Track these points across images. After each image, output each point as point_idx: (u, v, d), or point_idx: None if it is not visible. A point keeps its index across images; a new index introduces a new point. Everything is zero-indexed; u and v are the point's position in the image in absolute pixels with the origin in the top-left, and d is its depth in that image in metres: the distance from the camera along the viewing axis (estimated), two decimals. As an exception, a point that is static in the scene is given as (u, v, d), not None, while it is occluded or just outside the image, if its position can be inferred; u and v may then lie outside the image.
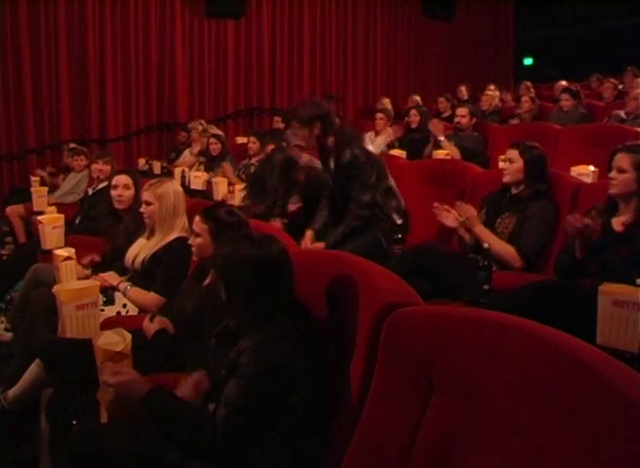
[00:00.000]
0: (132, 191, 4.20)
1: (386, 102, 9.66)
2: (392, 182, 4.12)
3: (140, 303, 3.48)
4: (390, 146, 7.23)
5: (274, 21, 11.28)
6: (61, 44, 9.27)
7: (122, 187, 4.21)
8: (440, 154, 5.83)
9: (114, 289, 3.55)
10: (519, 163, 3.71)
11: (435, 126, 6.64)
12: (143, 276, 3.56)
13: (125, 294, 3.52)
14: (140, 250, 3.65)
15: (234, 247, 2.17)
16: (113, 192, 4.22)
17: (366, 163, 3.87)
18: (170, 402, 2.14)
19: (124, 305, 3.51)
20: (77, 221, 5.48)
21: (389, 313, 1.87)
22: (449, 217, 3.71)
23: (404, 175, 5.10)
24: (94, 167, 5.83)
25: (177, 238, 3.52)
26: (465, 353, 1.65)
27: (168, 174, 7.38)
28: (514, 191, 3.75)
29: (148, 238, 3.66)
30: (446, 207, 3.73)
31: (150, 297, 3.45)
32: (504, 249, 3.52)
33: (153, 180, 3.73)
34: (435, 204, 3.78)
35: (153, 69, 10.07)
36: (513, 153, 3.74)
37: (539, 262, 3.55)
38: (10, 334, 4.35)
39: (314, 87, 11.73)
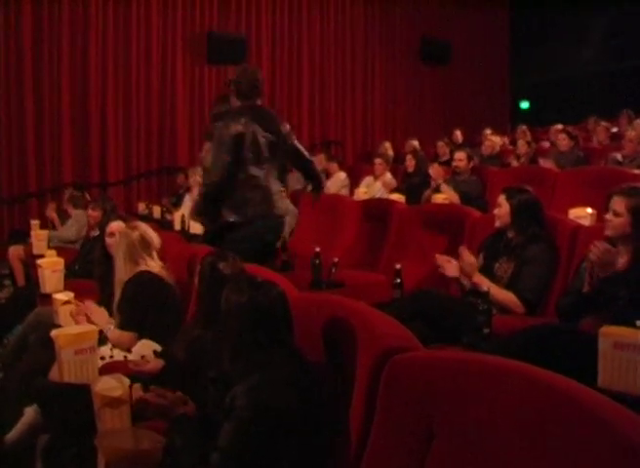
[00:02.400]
0: None
1: (388, 147, 9.74)
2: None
3: (114, 343, 3.49)
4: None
5: (274, 67, 11.43)
6: (64, 88, 9.39)
7: (118, 234, 4.20)
8: (439, 198, 5.87)
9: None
10: (506, 207, 3.74)
11: (435, 171, 6.70)
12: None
13: (107, 336, 3.53)
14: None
15: (234, 291, 2.20)
16: (107, 239, 4.19)
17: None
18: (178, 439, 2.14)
19: (111, 348, 3.52)
20: (77, 265, 5.49)
21: (389, 358, 1.87)
22: (450, 268, 3.70)
23: (403, 220, 5.14)
24: (88, 212, 5.88)
25: (137, 272, 3.55)
26: (465, 398, 1.64)
27: (165, 221, 7.40)
28: (510, 235, 3.76)
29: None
30: (446, 258, 3.73)
31: (118, 335, 3.47)
32: (505, 297, 3.51)
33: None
34: (437, 255, 3.77)
35: (154, 114, 10.17)
36: (501, 198, 3.78)
37: (539, 305, 3.55)
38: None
39: (313, 132, 11.84)
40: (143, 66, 10.07)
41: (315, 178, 4.75)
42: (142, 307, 3.45)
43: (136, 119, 10.03)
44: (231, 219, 4.02)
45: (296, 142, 4.37)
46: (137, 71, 10.00)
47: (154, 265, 3.60)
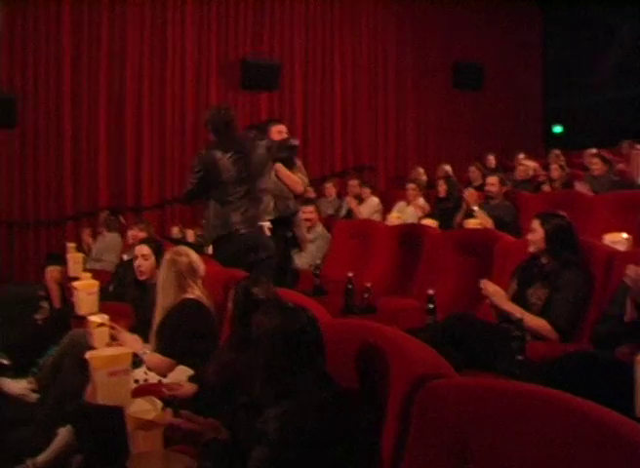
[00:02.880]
0: (151, 261, 4.17)
1: (421, 172, 9.75)
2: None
3: (152, 367, 3.52)
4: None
5: (306, 93, 11.51)
6: (101, 113, 9.62)
7: (141, 257, 4.20)
8: (472, 223, 5.82)
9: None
10: (540, 233, 3.69)
11: (471, 196, 6.67)
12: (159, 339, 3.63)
13: (143, 360, 3.55)
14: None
15: (265, 316, 2.22)
16: (135, 263, 4.24)
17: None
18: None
19: (145, 372, 3.53)
20: (111, 288, 5.54)
21: (422, 385, 1.86)
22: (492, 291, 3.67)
23: (436, 245, 5.12)
24: (129, 233, 5.93)
25: (183, 299, 3.58)
26: (498, 425, 1.62)
27: (201, 243, 7.47)
28: (544, 261, 3.72)
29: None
30: (489, 282, 3.70)
31: (157, 360, 3.50)
32: (538, 323, 3.46)
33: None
34: (482, 281, 3.74)
35: (189, 138, 10.30)
36: (535, 223, 3.73)
37: (573, 332, 3.49)
38: (35, 396, 4.34)
39: (346, 157, 11.87)
40: (179, 92, 10.24)
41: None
42: (186, 335, 3.48)
43: (170, 144, 10.18)
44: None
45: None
46: (172, 97, 10.18)
47: (199, 292, 3.63)
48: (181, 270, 3.62)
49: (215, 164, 4.56)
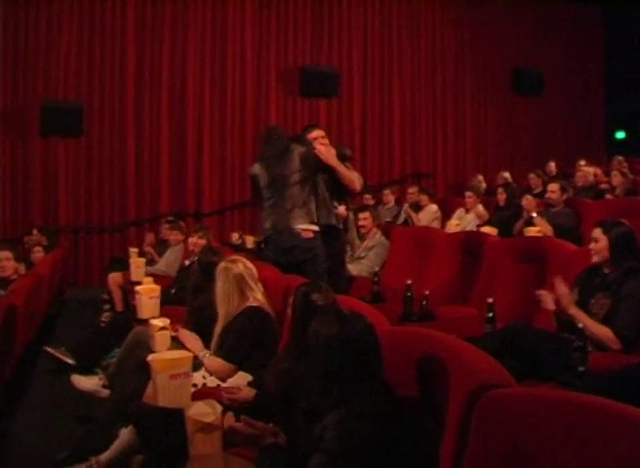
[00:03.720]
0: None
1: (480, 179, 9.65)
2: None
3: (212, 371, 3.57)
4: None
5: (365, 101, 11.51)
6: (163, 121, 9.84)
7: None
8: (532, 231, 5.74)
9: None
10: (603, 242, 3.61)
11: (528, 203, 6.58)
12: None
13: (203, 362, 3.59)
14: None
15: (323, 323, 2.24)
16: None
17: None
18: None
19: (204, 376, 3.57)
20: (173, 292, 5.64)
21: (482, 394, 1.84)
22: (549, 301, 3.63)
23: (496, 253, 5.07)
24: (190, 240, 6.04)
25: (248, 307, 3.63)
26: (559, 437, 1.60)
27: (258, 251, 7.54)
28: (606, 270, 3.64)
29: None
30: (545, 292, 3.66)
31: (218, 365, 3.55)
32: (601, 331, 3.39)
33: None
34: (539, 291, 3.70)
35: (248, 146, 10.39)
36: (597, 232, 3.65)
37: (637, 343, 3.41)
38: (107, 392, 4.42)
39: (404, 164, 11.83)
40: (238, 99, 10.39)
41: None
42: (249, 343, 3.54)
43: (230, 150, 10.32)
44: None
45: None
46: (232, 104, 10.33)
47: (261, 297, 3.69)
48: (238, 277, 3.67)
49: (255, 171, 4.83)
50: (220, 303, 3.70)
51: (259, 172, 4.79)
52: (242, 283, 3.67)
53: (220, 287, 3.70)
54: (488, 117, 12.63)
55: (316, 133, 4.98)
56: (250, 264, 3.78)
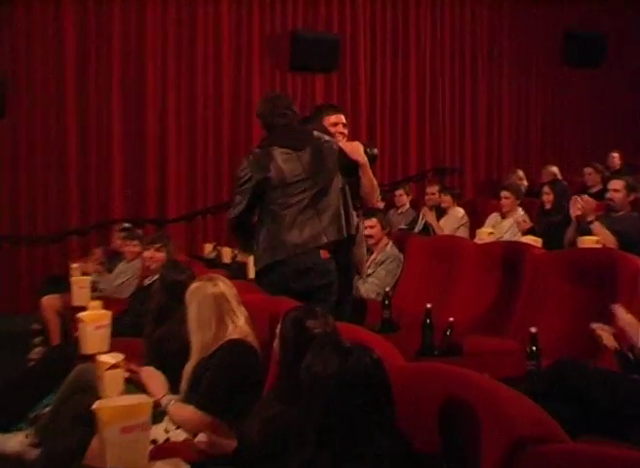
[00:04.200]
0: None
1: (520, 176, 9.65)
2: None
3: (179, 422, 3.55)
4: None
5: (373, 76, 11.52)
6: (114, 105, 9.72)
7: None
8: (588, 241, 5.71)
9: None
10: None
11: (586, 205, 6.54)
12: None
13: (167, 411, 3.57)
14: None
15: (319, 358, 2.26)
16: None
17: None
18: None
19: (167, 429, 3.55)
20: (127, 319, 5.62)
21: (523, 450, 1.84)
22: (608, 337, 3.61)
23: (541, 269, 5.09)
24: (144, 254, 6.05)
25: (229, 340, 3.62)
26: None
27: (240, 265, 7.52)
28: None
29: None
30: (601, 325, 3.64)
31: (188, 414, 3.52)
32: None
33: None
34: (593, 325, 3.70)
35: (225, 133, 10.39)
36: None
37: None
38: (36, 451, 4.37)
39: (423, 157, 11.83)
40: (212, 76, 10.33)
41: None
42: (231, 385, 3.52)
43: (202, 140, 10.27)
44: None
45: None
46: (203, 83, 10.26)
47: (244, 325, 3.69)
48: (218, 300, 3.68)
49: (269, 165, 4.60)
50: (194, 333, 3.69)
51: (276, 160, 4.62)
52: (223, 307, 3.68)
53: (194, 312, 3.70)
54: (530, 96, 12.65)
55: (336, 117, 4.99)
56: (230, 284, 3.80)
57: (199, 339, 3.67)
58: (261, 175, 4.57)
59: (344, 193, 4.78)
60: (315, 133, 4.72)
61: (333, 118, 4.97)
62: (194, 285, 3.78)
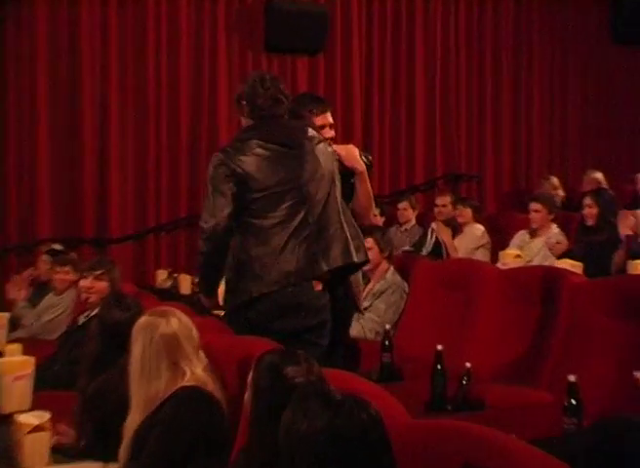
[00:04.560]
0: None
1: (555, 184, 9.66)
2: None
3: None
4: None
5: (370, 60, 11.58)
6: (39, 97, 9.68)
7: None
8: (641, 267, 5.75)
9: None
10: None
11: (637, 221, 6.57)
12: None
13: None
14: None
15: (302, 414, 2.26)
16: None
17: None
18: None
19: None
20: (56, 368, 5.57)
21: None
22: None
23: (581, 302, 5.09)
24: (81, 283, 5.98)
25: (182, 388, 3.61)
26: None
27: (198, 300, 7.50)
28: None
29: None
30: None
31: None
32: None
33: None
34: (637, 374, 3.72)
35: (183, 131, 10.39)
36: None
37: None
38: None
39: (432, 161, 11.87)
40: (165, 60, 10.32)
41: None
42: (185, 444, 3.51)
43: (154, 140, 10.24)
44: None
45: None
46: (155, 68, 10.25)
47: (202, 373, 3.67)
48: (169, 341, 3.65)
49: (251, 163, 4.53)
50: (136, 382, 3.66)
51: (252, 168, 4.53)
52: (175, 349, 3.65)
53: (138, 355, 3.68)
54: (568, 83, 12.69)
55: (322, 118, 4.96)
56: (188, 321, 3.76)
57: (142, 392, 3.64)
58: (242, 173, 4.49)
59: (345, 207, 4.76)
60: (309, 130, 4.67)
61: (319, 119, 4.94)
62: (142, 320, 3.75)
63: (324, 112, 4.99)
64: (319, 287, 4.56)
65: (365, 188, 4.86)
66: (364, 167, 4.82)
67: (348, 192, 4.83)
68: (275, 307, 4.46)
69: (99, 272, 5.88)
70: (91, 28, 9.83)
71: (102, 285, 5.78)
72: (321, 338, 4.54)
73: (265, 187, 4.49)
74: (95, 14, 9.86)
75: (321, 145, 4.62)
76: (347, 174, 4.78)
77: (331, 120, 5.00)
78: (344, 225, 4.59)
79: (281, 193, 4.51)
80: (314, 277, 4.50)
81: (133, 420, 3.64)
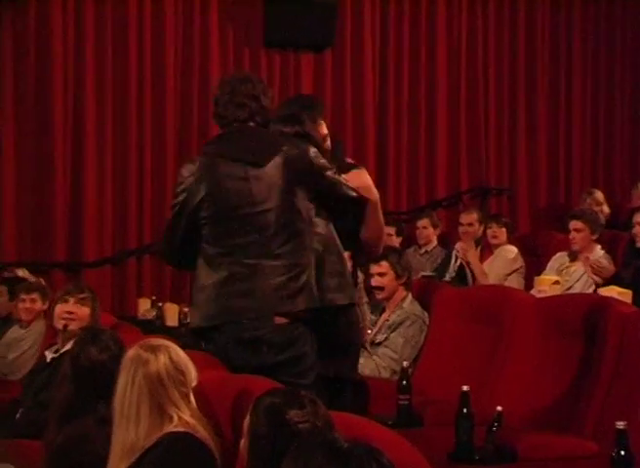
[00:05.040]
0: None
1: (599, 199, 9.64)
2: None
3: None
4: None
5: (384, 56, 11.62)
6: (6, 105, 9.72)
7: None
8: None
9: None
10: None
11: None
12: None
13: None
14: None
15: (303, 463, 2.24)
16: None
17: None
18: None
19: None
20: (19, 414, 5.54)
21: None
22: None
23: (631, 337, 5.09)
24: (58, 310, 5.89)
25: (168, 434, 3.57)
26: None
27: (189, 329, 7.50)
28: None
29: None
30: None
31: None
32: None
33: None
34: None
35: (169, 137, 10.46)
36: None
37: None
38: None
39: (456, 173, 11.91)
40: (150, 56, 10.38)
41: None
42: None
43: (137, 150, 10.27)
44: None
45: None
46: (138, 65, 10.32)
47: (189, 419, 3.64)
48: (154, 381, 3.62)
49: (210, 183, 4.61)
50: (117, 423, 3.64)
51: (212, 187, 4.62)
52: (158, 392, 3.62)
53: (120, 394, 3.65)
54: (615, 87, 12.69)
55: (323, 129, 4.96)
56: (181, 360, 3.73)
57: (120, 437, 3.61)
58: (198, 196, 4.58)
59: (329, 237, 4.76)
60: (286, 140, 4.65)
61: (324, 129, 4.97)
62: (130, 353, 3.71)
63: (321, 120, 5.01)
64: (282, 320, 4.56)
65: (377, 218, 4.82)
66: (377, 196, 4.79)
67: (352, 218, 4.78)
68: (232, 341, 4.51)
69: (82, 295, 5.83)
70: (64, 22, 9.88)
71: (85, 311, 5.71)
72: (299, 377, 4.45)
73: (221, 213, 4.60)
74: (69, 4, 9.90)
75: (298, 158, 4.57)
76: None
77: (325, 130, 4.99)
78: (310, 265, 4.62)
79: (238, 220, 4.60)
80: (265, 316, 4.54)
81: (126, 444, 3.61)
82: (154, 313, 8.66)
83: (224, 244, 4.56)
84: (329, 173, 4.58)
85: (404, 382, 5.18)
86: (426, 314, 6.48)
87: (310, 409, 2.90)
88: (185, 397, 3.66)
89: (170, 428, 3.58)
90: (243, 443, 3.03)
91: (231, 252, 4.54)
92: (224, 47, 10.76)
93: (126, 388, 3.61)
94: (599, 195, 9.83)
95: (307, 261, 4.58)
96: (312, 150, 4.58)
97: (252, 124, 4.66)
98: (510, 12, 12.12)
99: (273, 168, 4.53)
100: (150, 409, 3.59)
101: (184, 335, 7.31)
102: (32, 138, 9.82)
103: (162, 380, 3.61)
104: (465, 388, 4.53)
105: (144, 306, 9.01)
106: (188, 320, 7.86)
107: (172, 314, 8.21)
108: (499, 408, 4.48)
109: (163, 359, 3.65)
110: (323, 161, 4.59)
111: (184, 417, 3.61)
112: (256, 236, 4.54)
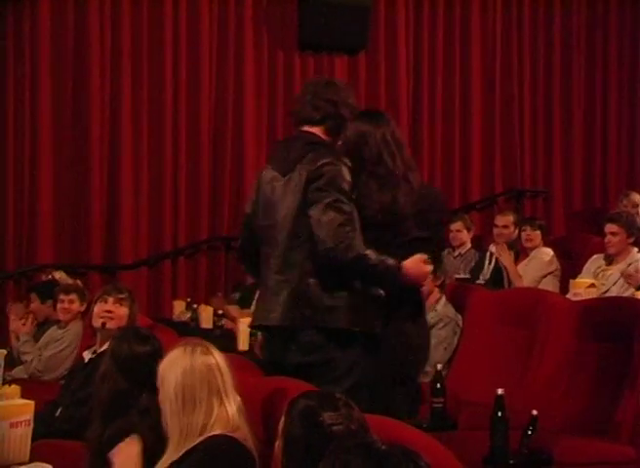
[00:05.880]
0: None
1: (635, 201, 9.58)
2: None
3: None
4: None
5: (418, 59, 11.62)
6: (42, 109, 9.77)
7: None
8: None
9: None
10: None
11: None
12: None
13: None
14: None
15: (340, 466, 2.23)
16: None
17: None
18: None
19: None
20: (59, 412, 5.55)
21: None
22: None
23: None
24: (97, 308, 5.88)
25: (211, 437, 3.58)
26: None
27: (225, 332, 7.48)
28: None
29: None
30: None
31: None
32: None
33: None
34: None
35: (204, 141, 10.45)
36: None
37: None
38: None
39: (491, 174, 11.88)
40: (185, 60, 10.41)
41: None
42: None
43: (172, 154, 10.29)
44: None
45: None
46: (173, 69, 10.34)
47: (234, 417, 3.65)
48: (212, 376, 3.67)
49: (254, 192, 4.81)
50: (173, 413, 3.65)
51: (255, 196, 4.78)
52: (218, 379, 3.67)
53: (179, 380, 3.66)
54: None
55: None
56: (222, 361, 3.75)
57: (178, 423, 3.62)
58: (251, 202, 4.83)
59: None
60: (312, 153, 4.58)
61: None
62: (174, 353, 3.74)
63: None
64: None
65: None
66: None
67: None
68: (280, 341, 4.62)
69: (121, 296, 5.83)
70: (101, 24, 9.91)
71: (123, 311, 5.69)
72: (332, 383, 4.37)
73: (258, 222, 4.78)
74: (105, 6, 9.93)
75: (324, 172, 4.51)
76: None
77: None
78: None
79: (264, 229, 4.73)
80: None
81: (165, 460, 3.63)
82: (189, 315, 8.69)
83: (264, 252, 4.70)
84: (329, 192, 4.47)
85: (438, 385, 5.16)
86: (460, 316, 6.50)
87: (344, 411, 2.91)
88: (235, 389, 3.70)
89: (215, 422, 3.61)
90: (278, 444, 3.03)
91: (266, 259, 4.67)
92: (259, 49, 10.75)
93: (186, 378, 3.63)
94: (636, 197, 9.75)
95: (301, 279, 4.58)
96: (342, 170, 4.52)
97: (321, 127, 4.67)
98: (546, 13, 12.05)
99: (290, 179, 4.57)
100: (208, 393, 3.63)
101: (218, 338, 7.33)
102: (69, 142, 9.84)
103: (220, 369, 3.68)
104: (500, 391, 4.49)
105: (179, 308, 9.05)
106: (223, 322, 7.95)
107: (206, 316, 8.20)
108: (534, 411, 4.48)
109: (217, 356, 3.71)
110: (337, 182, 4.47)
111: (230, 413, 3.64)
112: (269, 250, 4.67)
